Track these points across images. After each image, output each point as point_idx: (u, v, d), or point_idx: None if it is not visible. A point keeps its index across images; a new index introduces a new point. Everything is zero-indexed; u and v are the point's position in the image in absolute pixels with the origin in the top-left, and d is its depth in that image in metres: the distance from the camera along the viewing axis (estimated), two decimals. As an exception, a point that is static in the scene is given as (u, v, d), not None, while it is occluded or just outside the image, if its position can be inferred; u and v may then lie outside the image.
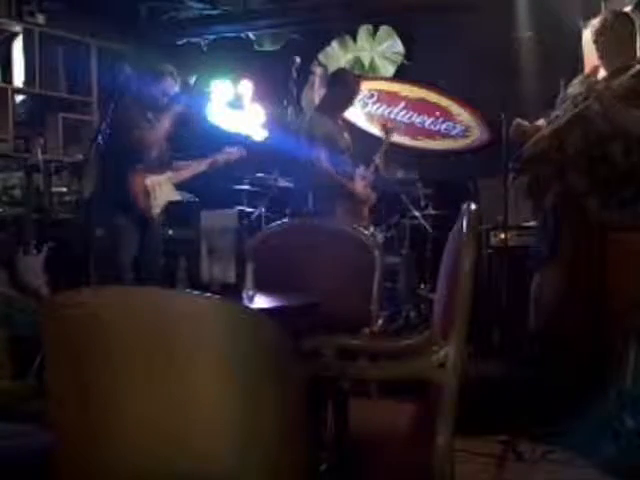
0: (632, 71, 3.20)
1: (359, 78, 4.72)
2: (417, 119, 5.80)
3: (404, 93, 5.83)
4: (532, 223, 3.84)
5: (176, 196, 4.10)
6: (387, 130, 4.66)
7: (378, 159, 4.47)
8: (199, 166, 4.15)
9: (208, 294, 1.34)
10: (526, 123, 3.41)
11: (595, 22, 3.42)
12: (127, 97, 3.93)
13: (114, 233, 3.88)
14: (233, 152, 4.24)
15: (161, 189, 3.99)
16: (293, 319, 1.86)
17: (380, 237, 4.75)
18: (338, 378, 1.68)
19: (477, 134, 5.61)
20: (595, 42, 3.38)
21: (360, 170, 4.35)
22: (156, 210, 3.94)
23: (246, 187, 5.13)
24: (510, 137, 3.40)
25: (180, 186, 4.23)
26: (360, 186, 4.28)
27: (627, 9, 4.36)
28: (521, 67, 4.89)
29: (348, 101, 4.36)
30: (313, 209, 4.17)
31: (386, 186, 4.69)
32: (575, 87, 3.41)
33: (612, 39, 3.31)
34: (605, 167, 3.24)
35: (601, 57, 3.38)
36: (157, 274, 3.99)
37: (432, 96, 5.75)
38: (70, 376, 1.27)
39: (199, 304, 1.21)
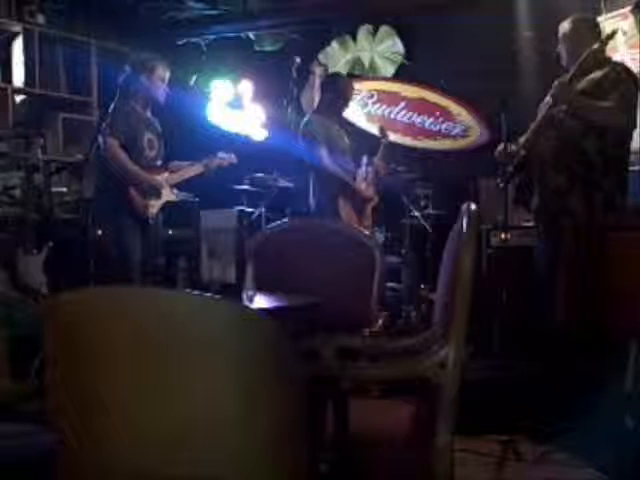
0: (603, 70, 3.30)
1: (352, 80, 4.74)
2: (417, 119, 5.80)
3: (404, 93, 5.84)
4: (532, 223, 3.86)
5: (173, 196, 4.10)
6: (383, 131, 4.67)
7: (378, 161, 4.49)
8: (193, 169, 4.16)
9: (208, 294, 1.34)
10: (514, 147, 3.46)
11: (563, 24, 3.49)
12: (126, 96, 3.94)
13: (120, 233, 3.88)
14: (226, 157, 4.27)
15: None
16: (293, 319, 1.86)
17: (380, 237, 4.76)
18: (338, 378, 1.68)
19: (477, 134, 5.61)
20: (560, 43, 3.50)
21: (362, 170, 4.38)
22: (153, 210, 3.94)
23: (246, 187, 5.13)
24: (496, 158, 3.46)
25: (180, 186, 4.23)
26: (363, 185, 4.32)
27: (627, 9, 4.38)
28: (521, 67, 4.89)
29: (342, 105, 4.41)
30: (317, 208, 4.19)
31: (386, 186, 4.69)
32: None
33: (575, 43, 3.41)
34: (582, 164, 3.28)
35: (565, 59, 3.49)
36: (157, 274, 3.99)
37: (432, 96, 5.75)
38: (70, 376, 1.27)
39: (199, 304, 1.21)
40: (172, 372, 1.18)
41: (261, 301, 2.07)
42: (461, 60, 5.13)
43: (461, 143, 5.68)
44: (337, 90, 4.38)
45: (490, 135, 5.39)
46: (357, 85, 5.67)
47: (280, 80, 4.95)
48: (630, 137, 3.36)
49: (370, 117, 5.90)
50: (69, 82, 5.88)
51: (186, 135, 5.26)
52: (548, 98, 3.37)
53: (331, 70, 5.85)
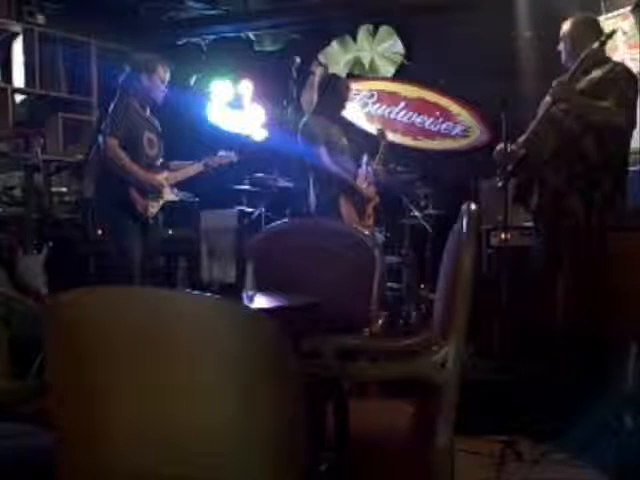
0: (603, 69, 3.30)
1: (349, 80, 4.76)
2: (417, 119, 5.80)
3: (404, 93, 5.84)
4: (531, 223, 3.86)
5: (173, 196, 4.10)
6: (381, 133, 4.68)
7: (376, 164, 4.50)
8: (193, 168, 4.16)
9: (208, 294, 1.35)
10: (514, 147, 3.46)
11: (564, 24, 3.50)
12: (126, 96, 3.94)
13: (120, 233, 3.87)
14: (226, 156, 4.27)
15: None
16: (293, 319, 1.86)
17: (380, 237, 4.76)
18: (338, 378, 1.67)
19: (477, 134, 5.61)
20: (561, 43, 3.50)
21: (362, 169, 4.38)
22: (153, 210, 3.94)
23: (246, 187, 5.14)
24: (495, 159, 3.46)
25: (180, 186, 4.23)
26: (364, 185, 4.32)
27: (627, 9, 4.38)
28: (521, 67, 4.89)
29: (339, 106, 4.41)
30: (317, 208, 4.19)
31: (386, 186, 4.70)
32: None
33: (575, 42, 3.41)
34: (581, 164, 3.28)
35: (565, 59, 3.49)
36: (157, 274, 3.99)
37: (432, 96, 5.76)
38: (70, 376, 1.27)
39: (199, 304, 1.21)
40: (172, 372, 1.18)
41: (261, 301, 2.07)
42: (461, 60, 5.12)
43: (461, 143, 5.68)
44: (334, 91, 4.39)
45: (490, 135, 5.39)
46: (357, 85, 5.68)
47: (280, 80, 4.94)
48: (630, 137, 3.36)
49: (370, 117, 5.90)
50: (69, 82, 5.89)
51: (186, 135, 5.26)
52: (548, 97, 3.37)
53: (331, 70, 5.85)
